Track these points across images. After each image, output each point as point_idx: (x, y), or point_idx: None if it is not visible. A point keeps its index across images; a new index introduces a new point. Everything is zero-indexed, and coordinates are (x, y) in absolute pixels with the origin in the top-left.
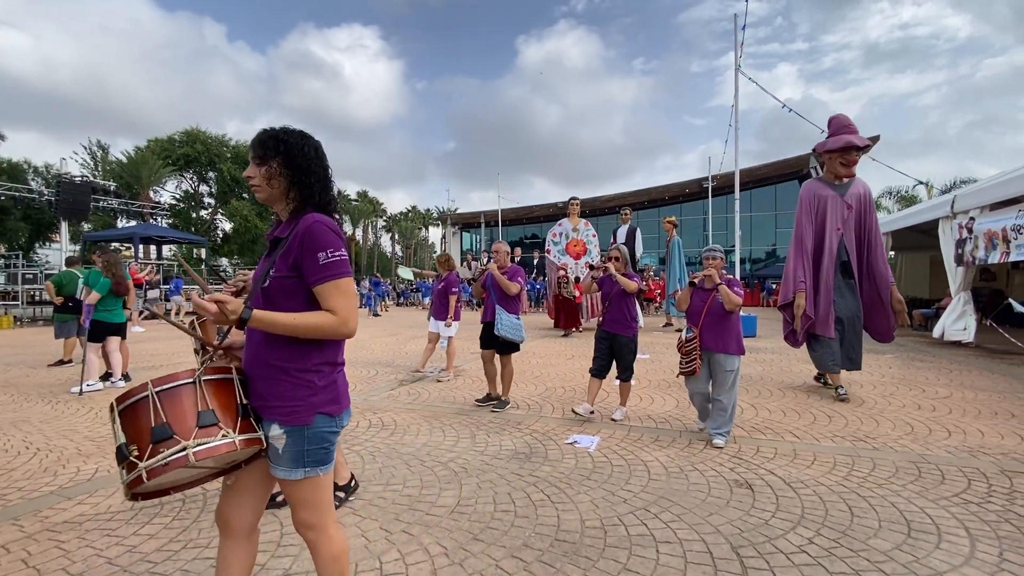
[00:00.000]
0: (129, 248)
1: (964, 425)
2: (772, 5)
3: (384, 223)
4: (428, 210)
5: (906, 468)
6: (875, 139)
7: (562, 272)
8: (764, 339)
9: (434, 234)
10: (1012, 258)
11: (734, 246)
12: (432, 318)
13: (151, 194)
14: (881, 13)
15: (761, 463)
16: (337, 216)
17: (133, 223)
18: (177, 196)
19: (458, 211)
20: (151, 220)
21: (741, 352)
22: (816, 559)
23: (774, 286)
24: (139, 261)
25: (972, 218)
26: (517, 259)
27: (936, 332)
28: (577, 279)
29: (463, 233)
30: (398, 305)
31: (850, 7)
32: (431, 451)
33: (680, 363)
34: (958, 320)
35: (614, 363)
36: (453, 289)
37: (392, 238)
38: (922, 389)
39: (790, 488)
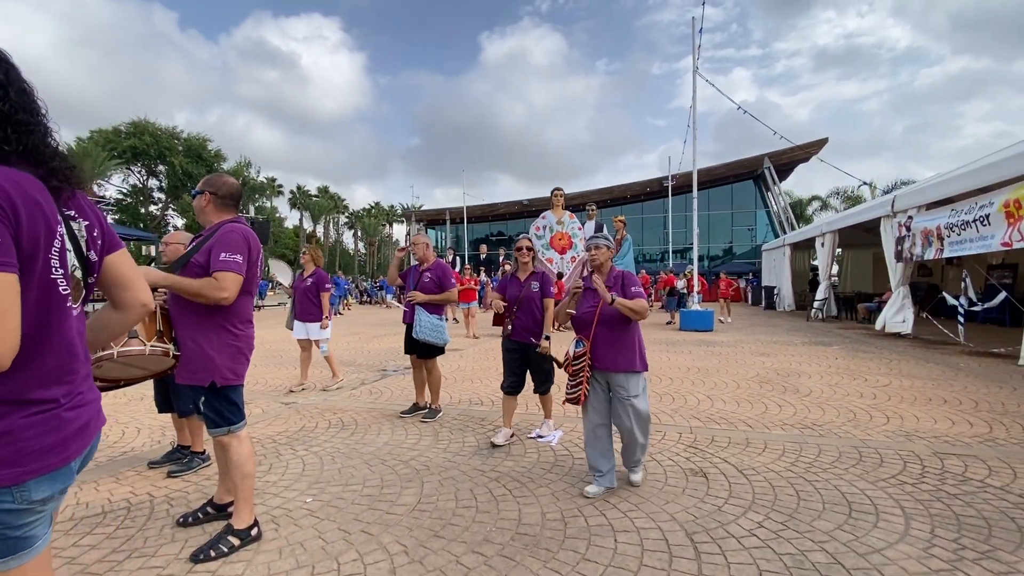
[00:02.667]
0: None
1: (901, 411)
2: (728, 12)
3: (346, 220)
4: (392, 207)
5: (848, 453)
6: None
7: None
8: (721, 332)
9: (398, 231)
10: (946, 255)
11: (693, 243)
12: (297, 320)
13: (95, 188)
14: (828, 23)
15: (715, 452)
16: (72, 170)
17: None
18: (124, 190)
19: (423, 208)
20: None
21: (645, 368)
22: (765, 541)
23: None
24: None
25: (910, 217)
26: (483, 256)
27: (878, 324)
28: (560, 275)
29: (428, 230)
30: (361, 303)
31: (800, 16)
32: (392, 450)
33: (566, 387)
34: (898, 313)
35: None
36: (326, 286)
37: (355, 235)
38: (864, 378)
39: (742, 475)
